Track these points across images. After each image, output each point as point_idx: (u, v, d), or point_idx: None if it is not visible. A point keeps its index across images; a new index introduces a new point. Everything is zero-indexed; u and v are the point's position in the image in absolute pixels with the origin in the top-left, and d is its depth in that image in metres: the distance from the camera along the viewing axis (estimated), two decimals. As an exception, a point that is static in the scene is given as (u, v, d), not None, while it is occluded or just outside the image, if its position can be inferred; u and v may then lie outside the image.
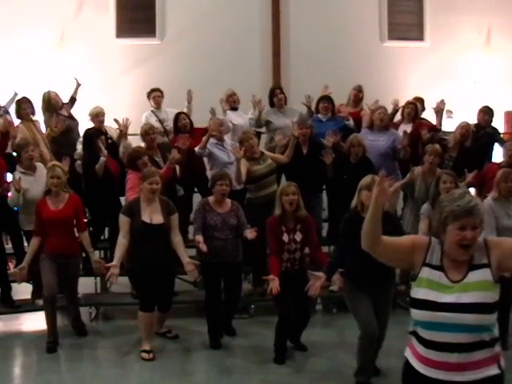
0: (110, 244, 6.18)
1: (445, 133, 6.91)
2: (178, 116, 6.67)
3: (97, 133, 6.25)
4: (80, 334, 5.53)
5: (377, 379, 4.36)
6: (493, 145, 6.98)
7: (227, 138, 6.63)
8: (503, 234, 4.64)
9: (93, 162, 6.02)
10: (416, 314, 2.35)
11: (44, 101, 6.72)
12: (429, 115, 7.29)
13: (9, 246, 6.09)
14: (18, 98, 6.63)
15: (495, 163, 6.35)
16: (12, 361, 5.17)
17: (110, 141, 6.50)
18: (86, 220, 5.90)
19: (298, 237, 4.81)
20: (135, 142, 6.68)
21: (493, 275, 2.30)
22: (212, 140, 6.33)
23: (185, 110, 6.96)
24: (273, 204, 4.93)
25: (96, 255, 5.63)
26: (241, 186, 6.01)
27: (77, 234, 5.37)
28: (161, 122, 7.03)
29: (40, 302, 5.56)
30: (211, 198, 5.23)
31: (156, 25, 9.26)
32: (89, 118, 6.65)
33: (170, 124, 6.93)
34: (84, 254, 5.61)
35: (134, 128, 6.64)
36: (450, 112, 8.11)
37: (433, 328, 2.29)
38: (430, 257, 2.38)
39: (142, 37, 9.21)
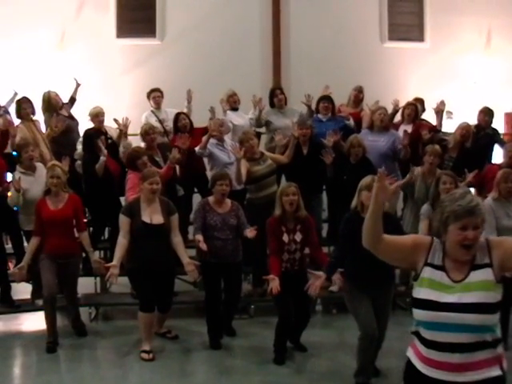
0: (110, 244, 6.18)
1: (445, 133, 6.91)
2: (177, 116, 6.67)
3: (96, 133, 6.25)
4: (80, 334, 5.53)
5: (376, 380, 4.36)
6: (493, 146, 6.98)
7: (227, 138, 6.62)
8: (503, 234, 4.64)
9: (93, 162, 6.01)
10: (418, 313, 2.34)
11: (44, 101, 6.72)
12: (429, 116, 7.29)
13: (9, 246, 6.09)
14: (18, 97, 6.63)
15: (495, 164, 6.35)
16: (12, 361, 5.16)
17: (109, 141, 6.50)
18: (85, 220, 5.90)
19: (298, 237, 4.81)
20: (135, 142, 6.68)
21: (495, 275, 2.29)
22: (212, 140, 6.33)
23: (185, 110, 6.97)
24: (273, 204, 4.93)
25: (96, 255, 5.63)
26: (241, 187, 6.01)
27: (76, 234, 5.37)
28: (161, 122, 7.03)
29: (40, 302, 5.56)
30: (211, 198, 5.22)
31: (156, 25, 9.26)
32: (89, 118, 6.65)
33: (169, 124, 6.93)
34: (84, 254, 5.61)
35: (134, 128, 6.64)
36: (450, 113, 8.11)
37: (434, 328, 2.29)
38: (431, 256, 2.38)
39: (142, 37, 9.21)
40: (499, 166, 5.86)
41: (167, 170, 5.87)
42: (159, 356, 4.97)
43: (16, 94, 6.96)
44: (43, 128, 6.62)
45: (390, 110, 6.84)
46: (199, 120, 6.85)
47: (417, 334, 2.39)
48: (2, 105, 6.89)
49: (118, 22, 9.25)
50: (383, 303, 4.23)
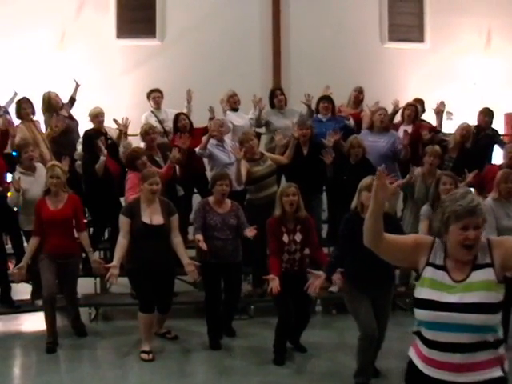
0: (110, 244, 6.18)
1: (445, 134, 6.91)
2: (177, 116, 6.66)
3: (96, 134, 6.25)
4: (79, 334, 5.52)
5: (376, 380, 4.36)
6: (493, 146, 6.98)
7: (227, 138, 6.62)
8: (503, 234, 4.63)
9: (92, 163, 6.01)
10: (419, 313, 2.33)
11: (44, 101, 6.72)
12: (429, 117, 7.29)
13: (9, 246, 6.09)
14: (17, 98, 6.63)
15: (495, 165, 6.35)
16: (11, 361, 5.16)
17: (109, 141, 6.49)
18: (86, 221, 5.90)
19: (298, 237, 4.80)
20: (135, 142, 6.68)
21: (496, 275, 2.28)
22: (212, 141, 6.33)
23: (184, 111, 6.97)
24: (273, 205, 4.92)
25: (95, 255, 5.62)
26: (241, 187, 6.01)
27: (76, 234, 5.37)
28: (160, 122, 7.03)
29: (39, 302, 5.55)
30: (211, 198, 5.22)
31: (156, 25, 9.27)
32: (88, 118, 6.65)
33: (169, 124, 6.93)
34: (84, 255, 5.60)
35: (134, 128, 6.64)
36: (450, 114, 8.12)
37: (436, 328, 2.28)
38: (433, 256, 2.37)
39: (142, 37, 9.22)
40: (499, 167, 5.86)
41: (167, 170, 5.87)
42: (159, 356, 4.97)
43: (16, 94, 6.96)
44: (43, 128, 6.62)
45: (390, 110, 6.84)
46: (199, 120, 6.86)
47: (418, 334, 2.38)
48: (1, 105, 6.89)
49: (118, 23, 9.26)
50: (383, 304, 4.23)
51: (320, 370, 4.72)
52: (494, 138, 7.01)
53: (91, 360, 5.12)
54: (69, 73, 7.86)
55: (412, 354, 2.43)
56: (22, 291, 6.13)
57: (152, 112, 7.14)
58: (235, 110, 7.07)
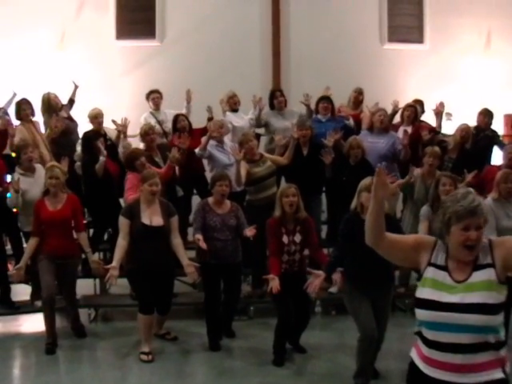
0: (109, 245, 6.17)
1: (444, 135, 6.92)
2: (176, 117, 6.66)
3: (95, 135, 6.24)
4: (79, 335, 5.52)
5: (376, 381, 4.35)
6: (492, 147, 6.98)
7: (227, 139, 6.62)
8: (503, 234, 4.60)
9: (92, 164, 6.00)
10: (420, 313, 2.33)
11: (43, 102, 6.71)
12: (428, 118, 7.29)
13: (8, 247, 6.09)
14: (17, 98, 6.62)
15: (495, 166, 6.35)
16: (11, 362, 5.16)
17: (109, 142, 6.49)
18: (85, 221, 5.89)
19: (298, 238, 4.80)
20: (135, 143, 6.67)
21: (497, 275, 2.27)
22: (212, 142, 6.33)
23: (184, 111, 6.97)
24: (273, 206, 4.92)
25: (94, 256, 5.62)
26: (241, 188, 6.01)
27: (75, 235, 5.36)
28: (160, 123, 7.02)
29: (39, 303, 5.54)
30: (211, 199, 5.22)
31: (156, 26, 9.26)
32: (88, 119, 6.65)
33: (168, 125, 6.93)
34: (83, 256, 5.60)
35: (133, 129, 6.64)
36: (450, 114, 8.13)
37: (437, 328, 2.27)
38: (435, 257, 2.37)
39: (141, 38, 9.21)
40: (499, 168, 5.86)
41: (167, 170, 5.86)
42: (158, 357, 4.96)
43: (15, 94, 6.97)
44: (42, 129, 6.62)
45: (389, 111, 6.85)
46: (198, 121, 6.86)
47: (419, 334, 2.38)
48: (1, 106, 6.88)
49: (117, 24, 9.26)
50: (383, 305, 4.22)
51: (320, 370, 4.72)
52: (493, 138, 7.02)
53: (91, 361, 5.11)
54: (68, 73, 7.85)
55: (413, 354, 2.42)
56: (21, 292, 6.12)
57: (151, 113, 7.14)
58: (235, 110, 7.07)
